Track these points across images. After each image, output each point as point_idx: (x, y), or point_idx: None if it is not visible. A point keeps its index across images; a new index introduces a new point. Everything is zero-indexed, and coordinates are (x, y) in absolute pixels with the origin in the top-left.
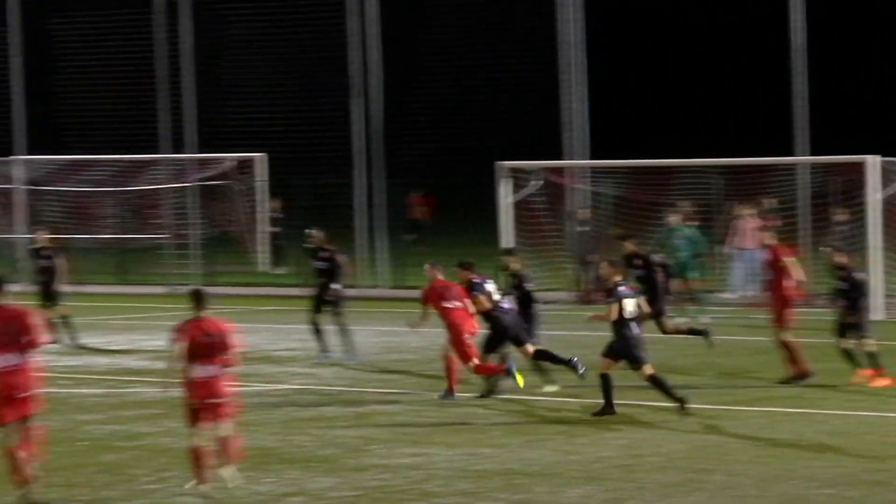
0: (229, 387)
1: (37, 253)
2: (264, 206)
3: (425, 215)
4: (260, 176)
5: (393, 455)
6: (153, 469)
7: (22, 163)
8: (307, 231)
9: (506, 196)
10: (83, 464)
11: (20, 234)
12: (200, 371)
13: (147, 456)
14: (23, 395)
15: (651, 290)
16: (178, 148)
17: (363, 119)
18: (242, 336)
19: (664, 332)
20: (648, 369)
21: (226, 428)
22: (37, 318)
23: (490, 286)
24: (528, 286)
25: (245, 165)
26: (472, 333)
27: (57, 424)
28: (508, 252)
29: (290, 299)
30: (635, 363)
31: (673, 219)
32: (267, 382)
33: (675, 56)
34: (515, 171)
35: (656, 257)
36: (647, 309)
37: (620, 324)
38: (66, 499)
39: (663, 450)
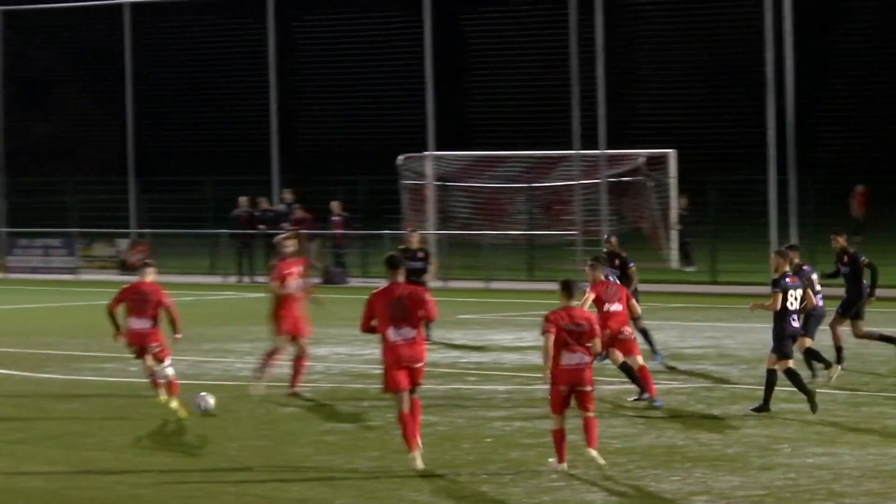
0: (592, 374)
1: (408, 253)
2: (674, 204)
3: (862, 212)
4: (671, 172)
5: (800, 454)
6: None
7: (433, 159)
8: (606, 235)
9: None
10: (489, 460)
11: (432, 231)
12: (567, 359)
13: (553, 453)
14: (417, 365)
15: (853, 289)
16: (589, 144)
17: (776, 114)
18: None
19: (855, 335)
20: (788, 364)
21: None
22: (429, 295)
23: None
24: None
25: (656, 162)
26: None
27: (463, 421)
28: None
29: (701, 297)
30: (780, 355)
31: None
32: (675, 380)
33: None
34: None
35: (864, 258)
36: (811, 303)
37: (780, 314)
38: (470, 495)
39: None
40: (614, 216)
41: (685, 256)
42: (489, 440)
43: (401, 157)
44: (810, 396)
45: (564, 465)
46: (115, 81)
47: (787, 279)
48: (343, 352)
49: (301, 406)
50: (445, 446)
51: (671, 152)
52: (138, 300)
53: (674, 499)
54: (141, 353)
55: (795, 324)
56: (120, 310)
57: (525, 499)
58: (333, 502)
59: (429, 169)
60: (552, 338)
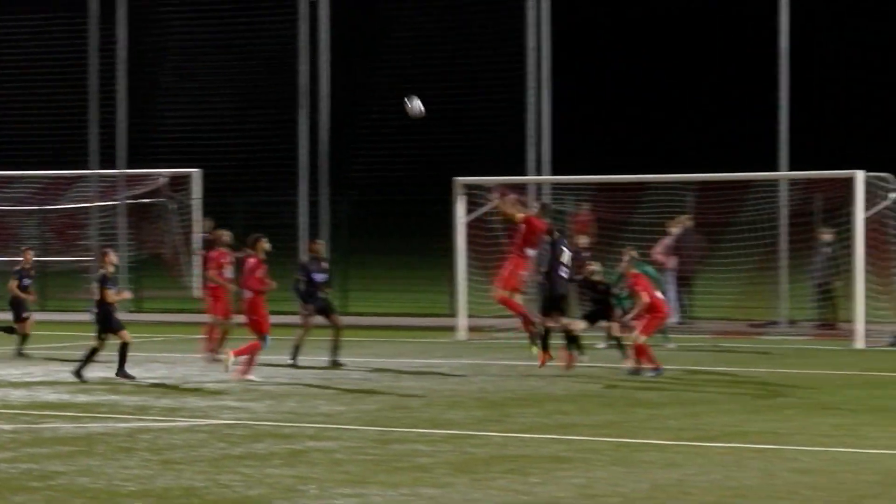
0: None
1: None
2: (198, 227)
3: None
4: (195, 193)
5: (328, 496)
6: None
7: None
8: None
9: (462, 214)
10: None
11: None
12: None
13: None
14: None
15: None
16: (107, 163)
17: (309, 132)
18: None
19: None
20: None
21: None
22: None
23: None
24: None
25: (180, 182)
26: None
27: None
28: None
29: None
30: None
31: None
32: (195, 417)
33: (649, 68)
34: (471, 188)
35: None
36: None
37: None
38: None
39: (621, 489)
40: (133, 241)
41: None
42: None
43: None
44: None
45: None
46: None
47: None
48: None
49: None
50: None
51: (195, 172)
52: None
53: None
54: None
55: None
56: None
57: None
58: None
59: None
60: None
